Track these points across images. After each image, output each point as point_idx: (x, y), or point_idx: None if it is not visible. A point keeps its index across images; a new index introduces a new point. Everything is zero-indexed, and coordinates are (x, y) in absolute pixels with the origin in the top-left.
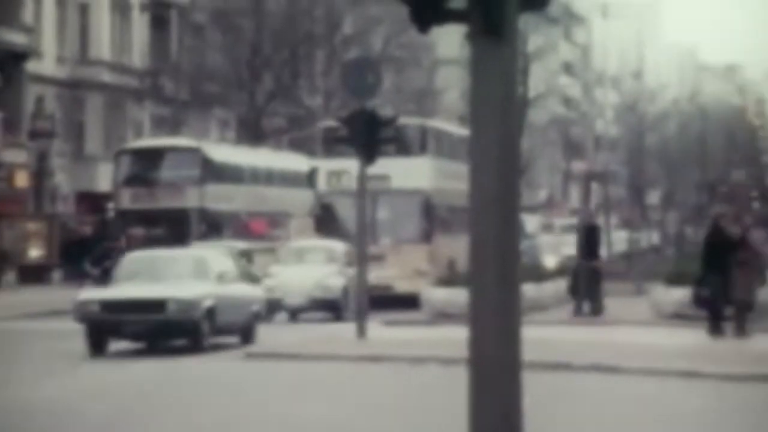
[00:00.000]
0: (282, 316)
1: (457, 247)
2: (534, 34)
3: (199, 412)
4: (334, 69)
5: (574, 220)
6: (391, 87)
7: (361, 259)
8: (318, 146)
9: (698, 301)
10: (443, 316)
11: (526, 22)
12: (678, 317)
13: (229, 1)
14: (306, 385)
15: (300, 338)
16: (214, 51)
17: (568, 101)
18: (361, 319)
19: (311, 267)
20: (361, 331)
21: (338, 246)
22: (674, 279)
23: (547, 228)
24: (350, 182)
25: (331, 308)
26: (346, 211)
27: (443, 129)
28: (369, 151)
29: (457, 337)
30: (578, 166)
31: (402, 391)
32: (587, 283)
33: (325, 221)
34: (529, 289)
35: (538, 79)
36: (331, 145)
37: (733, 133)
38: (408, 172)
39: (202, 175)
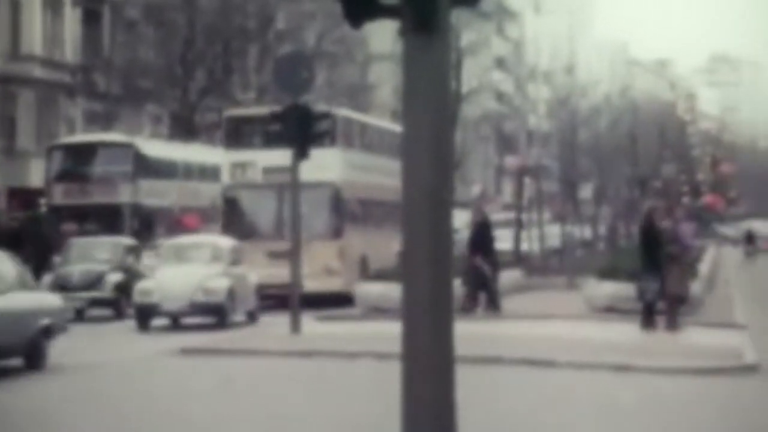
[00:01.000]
0: (161, 321)
1: (369, 243)
2: (466, 30)
3: (128, 408)
4: (267, 64)
5: (508, 215)
6: (324, 82)
7: (295, 253)
8: (221, 136)
9: (644, 296)
10: (377, 311)
11: (458, 17)
12: (610, 311)
13: None
14: (239, 381)
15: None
16: (147, 46)
17: (500, 96)
18: (294, 314)
19: (193, 267)
20: (295, 327)
21: (224, 243)
22: (606, 273)
23: None
24: (255, 174)
25: (214, 313)
26: (252, 205)
27: (355, 119)
28: (302, 147)
29: (391, 331)
30: (511, 160)
31: (336, 385)
32: (473, 280)
33: (230, 217)
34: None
35: (470, 75)
36: (234, 134)
37: (664, 128)
38: (317, 164)
39: (134, 171)
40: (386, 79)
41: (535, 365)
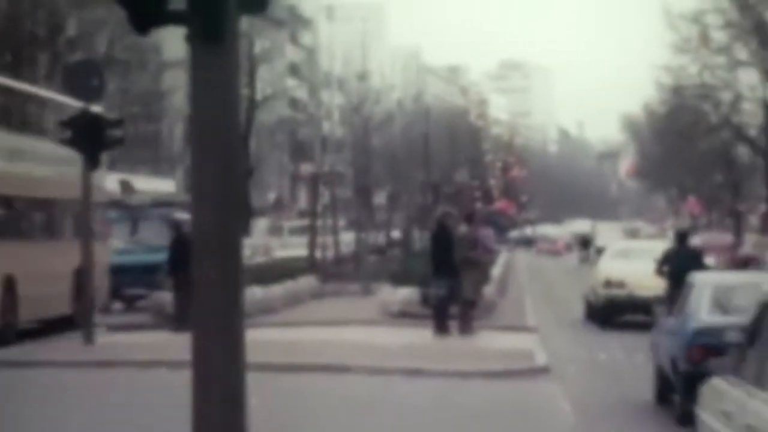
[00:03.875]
0: None
1: (18, 259)
2: (259, 37)
3: None
4: (57, 72)
5: (303, 222)
6: (117, 89)
7: (87, 264)
8: None
9: (428, 300)
10: (174, 320)
11: (251, 24)
12: (405, 316)
13: None
14: (30, 394)
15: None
16: None
17: (294, 103)
18: (87, 323)
19: None
20: (88, 336)
21: None
22: (400, 278)
23: (275, 230)
24: None
25: None
26: None
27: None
28: (93, 155)
29: (187, 340)
30: (305, 167)
31: (129, 395)
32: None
33: None
34: (257, 292)
35: (264, 82)
36: None
37: (456, 133)
38: None
39: None
40: (180, 86)
41: (329, 371)
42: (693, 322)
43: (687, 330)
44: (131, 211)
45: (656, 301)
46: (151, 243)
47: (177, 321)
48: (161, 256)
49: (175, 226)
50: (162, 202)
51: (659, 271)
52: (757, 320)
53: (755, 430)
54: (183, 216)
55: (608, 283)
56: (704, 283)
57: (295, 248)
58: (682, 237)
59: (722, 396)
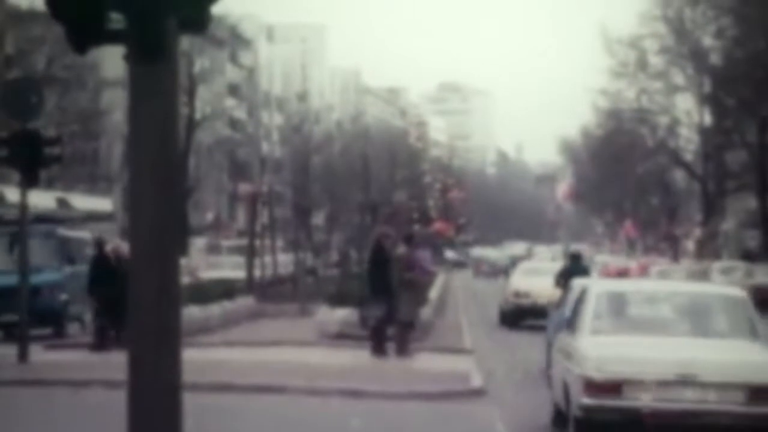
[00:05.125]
0: None
1: None
2: (199, 56)
3: None
4: None
5: (241, 242)
6: (55, 107)
7: (24, 285)
8: None
9: (366, 322)
10: (110, 339)
11: (191, 43)
12: (342, 337)
13: None
14: None
15: None
16: None
17: (234, 123)
18: (22, 341)
19: None
20: (23, 355)
21: None
22: (337, 299)
23: (214, 249)
24: None
25: None
26: None
27: None
28: (31, 173)
29: (122, 359)
30: (244, 187)
31: (64, 414)
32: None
33: None
34: (194, 311)
35: (204, 101)
36: None
37: (395, 155)
38: None
39: None
40: (119, 105)
41: (266, 391)
42: (567, 311)
43: (563, 317)
44: (8, 227)
45: (552, 307)
46: (32, 263)
47: (96, 341)
48: (43, 278)
49: (97, 244)
50: (44, 218)
51: (558, 284)
52: (576, 299)
53: (568, 353)
54: (69, 233)
55: (517, 294)
56: (578, 285)
57: (226, 268)
58: (574, 257)
59: (561, 341)
